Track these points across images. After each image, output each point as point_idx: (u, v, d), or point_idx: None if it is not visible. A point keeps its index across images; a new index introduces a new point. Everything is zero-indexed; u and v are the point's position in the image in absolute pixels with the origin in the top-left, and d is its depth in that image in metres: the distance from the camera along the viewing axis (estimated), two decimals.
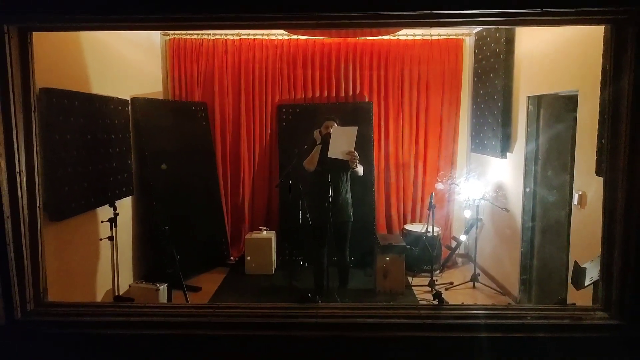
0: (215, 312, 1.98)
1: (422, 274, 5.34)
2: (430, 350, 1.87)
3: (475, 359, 1.85)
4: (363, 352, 1.91)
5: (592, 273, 2.63)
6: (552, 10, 1.79)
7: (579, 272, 2.66)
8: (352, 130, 4.14)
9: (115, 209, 3.98)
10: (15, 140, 1.88)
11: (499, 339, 1.84)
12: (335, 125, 4.37)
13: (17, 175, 1.90)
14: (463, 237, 5.62)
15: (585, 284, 2.61)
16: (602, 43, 3.11)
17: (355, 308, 2.02)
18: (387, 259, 4.78)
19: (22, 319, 1.92)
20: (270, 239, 5.53)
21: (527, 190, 4.48)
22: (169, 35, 5.77)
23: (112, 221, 3.96)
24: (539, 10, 1.78)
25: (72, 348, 1.93)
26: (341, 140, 4.12)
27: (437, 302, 2.03)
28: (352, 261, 4.90)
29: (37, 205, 2.00)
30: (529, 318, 1.88)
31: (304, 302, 2.03)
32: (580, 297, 2.94)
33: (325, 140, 4.18)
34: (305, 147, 4.51)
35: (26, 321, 1.92)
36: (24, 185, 1.94)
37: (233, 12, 1.84)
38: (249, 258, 5.46)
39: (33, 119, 1.97)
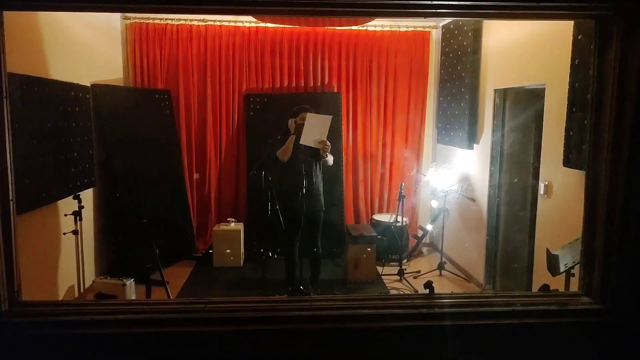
0: (207, 307, 1.92)
1: (391, 264, 5.42)
2: (425, 339, 1.89)
3: (469, 345, 1.89)
4: (359, 342, 1.91)
5: (566, 260, 2.75)
6: (535, 4, 1.80)
7: (553, 260, 2.78)
8: (327, 119, 4.09)
9: (80, 202, 3.79)
10: None
11: (491, 326, 1.89)
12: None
13: None
14: (429, 227, 5.74)
15: (561, 270, 2.73)
16: (571, 38, 3.24)
17: (349, 299, 2.01)
18: (359, 249, 4.81)
19: None
20: (239, 230, 5.44)
21: (493, 180, 4.61)
22: (129, 19, 5.50)
23: (77, 214, 3.77)
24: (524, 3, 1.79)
25: (54, 349, 1.81)
26: (314, 128, 4.07)
27: (428, 292, 2.05)
28: (321, 252, 4.89)
29: (10, 198, 1.86)
30: (518, 305, 1.93)
31: (297, 294, 2.00)
32: (553, 283, 3.07)
33: (300, 130, 4.13)
34: (279, 137, 4.44)
35: (2, 322, 1.79)
36: None
37: None
38: (217, 250, 5.35)
39: (4, 106, 1.81)
